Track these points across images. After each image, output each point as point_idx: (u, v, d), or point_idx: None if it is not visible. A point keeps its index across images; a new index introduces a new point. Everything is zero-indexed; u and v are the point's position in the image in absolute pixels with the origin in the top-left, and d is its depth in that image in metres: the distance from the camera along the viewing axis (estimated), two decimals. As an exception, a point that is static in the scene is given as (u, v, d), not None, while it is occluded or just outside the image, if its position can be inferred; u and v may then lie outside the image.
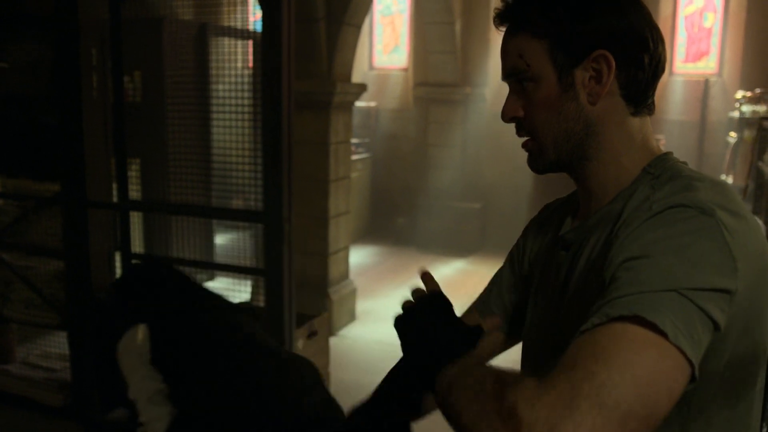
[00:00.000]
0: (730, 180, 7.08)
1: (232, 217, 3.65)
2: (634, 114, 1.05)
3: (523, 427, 0.78)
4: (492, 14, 1.11)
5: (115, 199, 3.57)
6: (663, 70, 1.06)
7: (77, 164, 3.47)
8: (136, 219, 3.89)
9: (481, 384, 0.86)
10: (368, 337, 5.52)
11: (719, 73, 8.18)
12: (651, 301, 0.82)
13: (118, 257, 3.66)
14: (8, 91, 3.67)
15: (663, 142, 7.56)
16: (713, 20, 8.23)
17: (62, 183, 3.55)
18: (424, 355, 0.99)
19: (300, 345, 3.59)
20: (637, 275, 0.86)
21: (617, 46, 1.00)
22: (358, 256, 7.86)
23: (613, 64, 1.00)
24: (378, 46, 9.49)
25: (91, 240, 3.56)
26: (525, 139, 1.10)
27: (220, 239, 5.26)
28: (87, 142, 3.51)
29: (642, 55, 1.01)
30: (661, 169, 1.02)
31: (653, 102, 1.08)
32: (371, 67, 9.50)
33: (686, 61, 8.34)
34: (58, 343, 3.92)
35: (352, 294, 5.86)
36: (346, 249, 5.79)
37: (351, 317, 5.82)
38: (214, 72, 4.45)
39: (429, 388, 0.95)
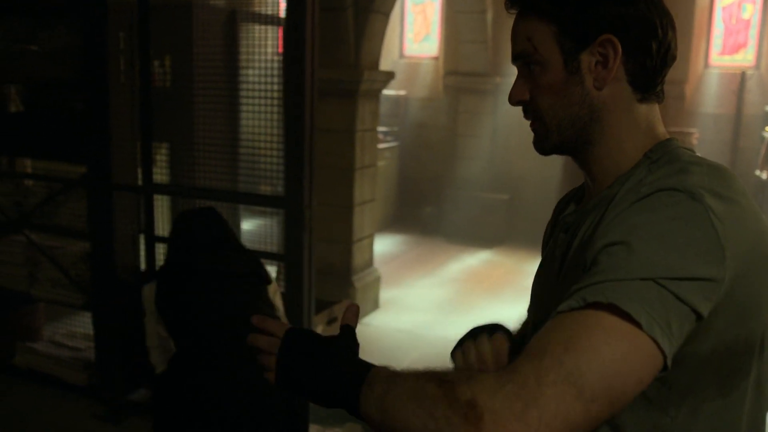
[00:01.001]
0: (765, 176, 6.93)
1: (254, 202, 3.68)
2: (641, 101, 1.04)
3: (486, 417, 0.78)
4: None
5: (140, 183, 3.62)
6: (673, 58, 1.05)
7: (103, 147, 3.52)
8: (163, 203, 3.93)
9: (419, 390, 0.85)
10: (391, 325, 5.53)
11: (756, 66, 7.99)
12: (627, 290, 0.82)
13: (142, 240, 3.71)
14: (39, 75, 3.73)
15: (696, 135, 7.42)
16: (752, 11, 8.04)
17: (88, 166, 3.60)
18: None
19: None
20: (616, 261, 0.85)
21: (624, 31, 0.99)
22: (384, 245, 7.87)
23: (620, 49, 0.99)
24: (409, 35, 9.45)
25: (116, 222, 3.62)
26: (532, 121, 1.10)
27: (248, 225, 5.30)
28: (113, 125, 3.56)
29: (650, 41, 1.00)
30: (661, 153, 1.01)
31: (662, 90, 1.07)
32: (402, 56, 9.47)
33: (722, 53, 8.17)
34: (84, 322, 4.00)
35: (376, 282, 5.86)
36: (371, 237, 5.80)
37: (374, 305, 5.83)
38: (243, 58, 4.47)
39: (354, 414, 0.93)
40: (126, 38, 3.74)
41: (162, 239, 3.58)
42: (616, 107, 1.03)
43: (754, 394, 0.98)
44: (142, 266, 3.73)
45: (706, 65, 8.06)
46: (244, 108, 3.79)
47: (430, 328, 5.42)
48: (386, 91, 8.85)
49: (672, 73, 1.08)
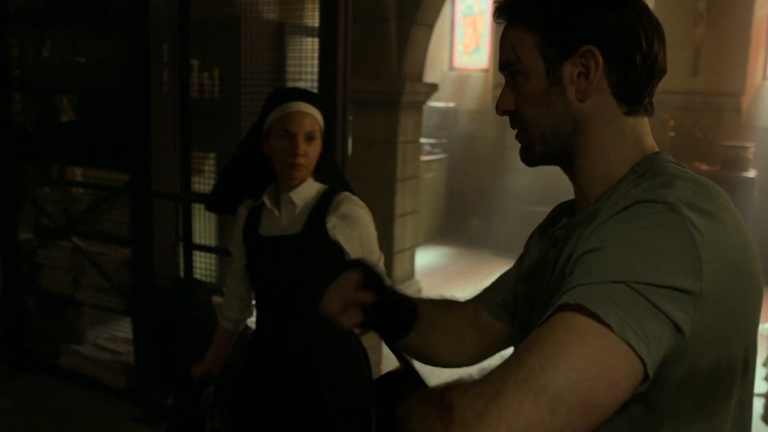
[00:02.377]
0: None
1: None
2: (628, 113, 1.02)
3: (456, 415, 0.78)
4: None
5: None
6: (662, 71, 1.03)
7: (144, 156, 3.61)
8: (205, 212, 4.00)
9: (427, 394, 0.88)
10: (430, 337, 5.50)
11: (819, 78, 7.71)
12: (597, 293, 0.81)
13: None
14: (87, 85, 3.86)
15: (752, 149, 7.20)
16: (814, 22, 7.76)
17: (131, 174, 3.70)
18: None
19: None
20: (589, 267, 0.84)
21: (606, 43, 0.98)
22: (430, 257, 7.84)
23: (600, 60, 0.98)
24: (459, 47, 9.43)
25: (155, 230, 3.70)
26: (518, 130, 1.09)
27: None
28: (155, 135, 3.65)
29: (633, 53, 0.98)
30: (648, 166, 0.99)
31: (651, 103, 1.05)
32: (451, 68, 9.46)
33: (782, 65, 7.90)
34: (125, 327, 4.10)
35: (417, 294, 5.84)
36: (412, 249, 5.79)
37: (415, 317, 5.81)
38: (290, 70, 4.53)
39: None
40: (169, 50, 3.85)
41: (200, 247, 3.65)
42: (601, 119, 1.01)
43: (736, 415, 0.95)
44: (181, 274, 3.80)
45: (765, 77, 7.80)
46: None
47: (470, 342, 5.36)
48: (435, 103, 8.88)
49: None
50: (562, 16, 0.99)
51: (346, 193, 2.11)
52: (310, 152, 2.02)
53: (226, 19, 4.01)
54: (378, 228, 5.64)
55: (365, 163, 5.43)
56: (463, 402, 0.79)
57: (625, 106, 1.01)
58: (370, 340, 3.97)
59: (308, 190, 2.07)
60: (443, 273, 7.39)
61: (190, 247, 3.68)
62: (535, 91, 1.02)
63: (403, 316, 1.25)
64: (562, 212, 1.20)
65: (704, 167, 7.35)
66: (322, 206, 2.05)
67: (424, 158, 8.41)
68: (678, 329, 0.82)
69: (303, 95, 2.06)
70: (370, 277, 1.26)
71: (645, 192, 0.91)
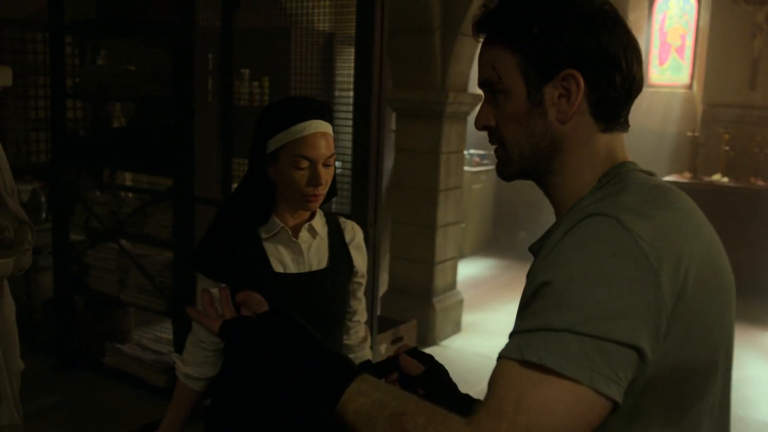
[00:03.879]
0: None
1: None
2: (604, 131, 1.03)
3: None
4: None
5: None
6: (639, 89, 1.04)
7: (187, 162, 3.72)
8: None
9: (380, 410, 0.90)
10: (470, 349, 5.47)
11: None
12: (561, 347, 0.83)
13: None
14: (136, 93, 4.00)
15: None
16: None
17: (175, 179, 3.82)
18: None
19: (383, 349, 3.64)
20: (548, 305, 0.86)
21: (588, 65, 0.99)
22: (475, 268, 7.81)
23: (582, 84, 0.99)
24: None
25: (196, 234, 3.80)
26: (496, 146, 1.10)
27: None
28: (198, 141, 3.76)
29: (614, 75, 1.00)
30: (611, 176, 1.00)
31: (626, 120, 1.06)
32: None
33: None
34: (168, 328, 4.21)
35: (458, 305, 5.83)
36: (454, 259, 5.78)
37: (456, 328, 5.80)
38: (339, 80, 4.60)
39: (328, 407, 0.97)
40: (214, 59, 3.96)
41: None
42: (578, 139, 1.03)
43: (715, 420, 0.95)
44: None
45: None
46: (337, 129, 3.87)
47: (510, 354, 5.32)
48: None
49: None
50: (543, 39, 0.99)
51: (346, 219, 1.95)
52: (329, 179, 1.77)
53: (276, 29, 4.11)
54: (419, 238, 5.66)
55: (408, 173, 5.46)
56: None
57: (602, 125, 1.02)
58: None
59: (320, 217, 1.87)
60: (488, 285, 7.35)
61: (229, 251, 3.76)
62: (516, 111, 1.03)
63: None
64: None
65: (760, 183, 7.14)
66: (336, 235, 1.88)
67: (473, 169, 8.40)
68: (643, 353, 0.84)
69: (316, 111, 1.75)
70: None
71: (595, 203, 0.92)
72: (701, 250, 0.91)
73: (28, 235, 2.27)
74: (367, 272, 1.93)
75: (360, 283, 1.92)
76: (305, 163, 1.70)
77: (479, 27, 1.07)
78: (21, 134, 5.30)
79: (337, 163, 3.82)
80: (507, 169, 1.08)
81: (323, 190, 1.74)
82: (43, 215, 4.71)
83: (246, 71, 3.87)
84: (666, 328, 0.86)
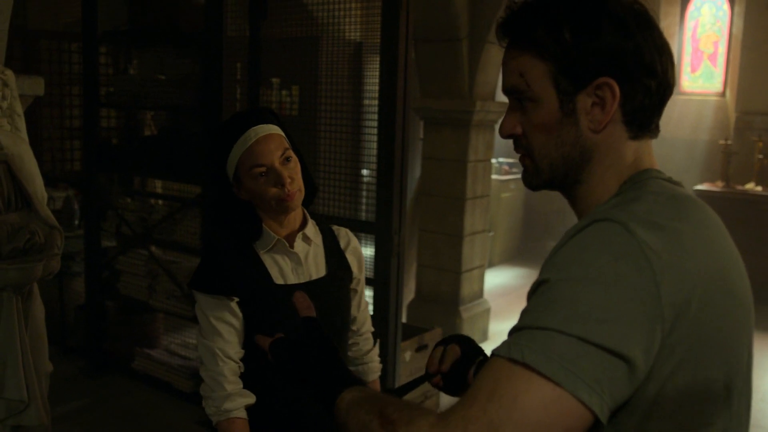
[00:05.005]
0: None
1: (348, 227, 3.77)
2: (633, 138, 0.99)
3: None
4: None
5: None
6: (670, 94, 1.00)
7: (215, 170, 3.77)
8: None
9: (367, 424, 0.91)
10: (497, 358, 5.44)
11: None
12: (546, 346, 0.80)
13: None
14: (165, 101, 4.07)
15: None
16: None
17: (203, 186, 3.87)
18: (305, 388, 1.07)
19: (407, 357, 3.64)
20: (541, 303, 0.84)
21: (623, 73, 0.94)
22: (504, 277, 7.77)
23: (618, 92, 0.94)
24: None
25: (223, 240, 3.84)
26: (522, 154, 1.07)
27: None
28: (225, 149, 3.80)
29: (649, 81, 0.95)
30: (630, 183, 0.97)
31: (657, 126, 1.02)
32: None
33: None
34: (195, 334, 4.26)
35: (485, 313, 5.81)
36: (481, 268, 5.76)
37: (483, 336, 5.77)
38: (367, 88, 4.63)
39: (328, 410, 1.00)
40: (243, 68, 4.01)
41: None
42: (609, 148, 0.98)
43: None
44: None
45: None
46: (365, 136, 3.90)
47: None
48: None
49: None
50: (575, 45, 0.94)
51: (339, 227, 1.93)
52: (294, 173, 1.71)
53: (306, 39, 4.16)
54: (447, 246, 5.65)
55: (435, 182, 5.46)
56: None
57: (632, 132, 0.99)
58: (427, 356, 3.99)
59: (312, 225, 1.83)
60: (516, 294, 7.30)
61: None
62: (546, 120, 0.98)
63: None
64: None
65: (793, 192, 7.01)
66: (330, 241, 1.85)
67: (502, 178, 8.37)
68: (633, 364, 0.80)
69: (251, 118, 1.72)
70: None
71: (606, 210, 0.89)
72: (712, 267, 0.87)
73: (58, 239, 2.32)
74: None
75: (356, 290, 1.89)
76: (263, 170, 1.67)
77: (504, 31, 1.01)
78: (56, 143, 5.43)
79: (364, 171, 3.90)
80: (535, 178, 1.04)
81: (293, 186, 1.69)
82: (76, 222, 4.80)
83: (276, 80, 3.92)
84: (663, 342, 0.82)
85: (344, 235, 1.90)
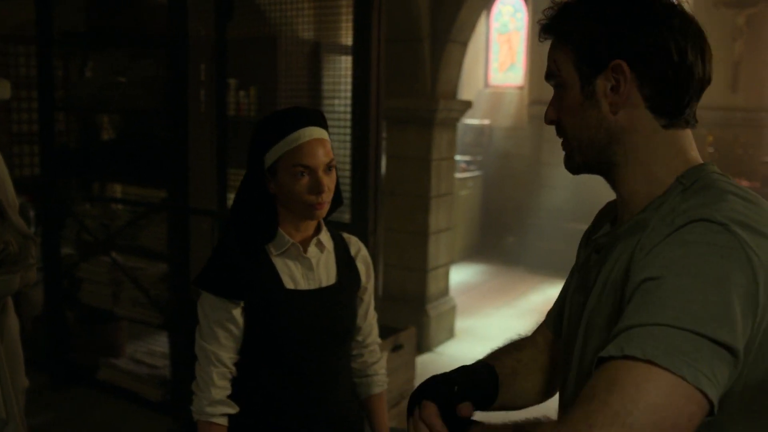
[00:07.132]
0: None
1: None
2: (668, 126, 1.04)
3: None
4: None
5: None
6: (702, 82, 1.03)
7: (181, 173, 3.69)
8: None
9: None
10: (465, 355, 5.47)
11: None
12: (664, 342, 0.83)
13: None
14: (128, 105, 3.96)
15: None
16: None
17: (168, 190, 3.78)
18: None
19: (384, 357, 3.62)
20: (652, 301, 0.87)
21: (635, 57, 1.00)
22: (465, 274, 7.82)
23: (628, 73, 1.00)
24: (494, 64, 9.44)
25: (192, 245, 3.77)
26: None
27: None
28: (192, 152, 3.73)
29: (663, 66, 1.00)
30: (694, 178, 1.01)
31: (693, 115, 1.06)
32: (486, 85, 9.47)
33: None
34: (162, 341, 4.17)
35: (452, 311, 5.84)
36: (447, 266, 5.79)
37: (449, 334, 5.80)
38: (326, 88, 4.59)
39: None
40: (207, 70, 3.93)
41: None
42: (637, 132, 1.04)
43: None
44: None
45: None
46: (332, 137, 3.86)
47: (505, 360, 5.32)
48: (470, 121, 8.88)
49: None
50: (594, 33, 1.03)
51: (349, 234, 1.91)
52: (332, 185, 1.70)
53: (262, 39, 4.10)
54: (412, 245, 5.66)
55: (400, 180, 5.46)
56: None
57: (663, 119, 1.03)
58: (403, 356, 3.98)
59: (326, 231, 1.81)
60: (479, 290, 7.36)
61: (226, 262, 3.73)
62: (572, 103, 1.06)
63: (490, 393, 1.25)
64: (604, 216, 1.22)
65: (744, 183, 7.21)
66: (342, 249, 1.83)
67: (460, 175, 8.41)
68: (736, 356, 0.85)
69: (310, 118, 1.71)
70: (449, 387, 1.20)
71: (698, 208, 0.93)
72: None
73: (32, 249, 2.24)
74: (368, 282, 1.90)
75: (362, 299, 1.87)
76: (305, 172, 1.66)
77: (544, 26, 1.10)
78: (5, 148, 5.24)
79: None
80: (571, 161, 1.11)
81: (327, 197, 1.69)
82: (32, 229, 4.64)
83: (233, 81, 3.84)
84: (753, 335, 0.87)
85: (355, 242, 1.89)
